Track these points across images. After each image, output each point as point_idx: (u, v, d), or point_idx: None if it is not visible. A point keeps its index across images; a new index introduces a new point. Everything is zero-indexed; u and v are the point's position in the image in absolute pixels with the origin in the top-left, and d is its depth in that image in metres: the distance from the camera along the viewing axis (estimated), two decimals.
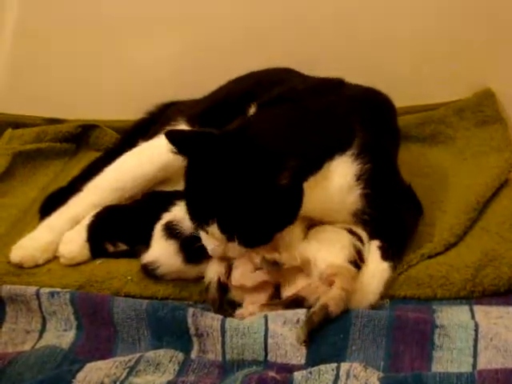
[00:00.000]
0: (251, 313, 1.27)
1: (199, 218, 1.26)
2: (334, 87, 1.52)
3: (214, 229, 1.24)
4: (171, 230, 1.36)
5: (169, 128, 1.59)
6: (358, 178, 1.34)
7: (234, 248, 1.27)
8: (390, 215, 1.38)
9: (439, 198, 1.59)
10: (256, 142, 1.26)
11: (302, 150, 1.26)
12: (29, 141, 1.99)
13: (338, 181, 1.33)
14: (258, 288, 1.29)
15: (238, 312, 1.29)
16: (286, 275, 1.29)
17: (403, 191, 1.45)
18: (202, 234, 1.29)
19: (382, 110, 1.52)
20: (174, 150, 1.27)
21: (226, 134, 1.29)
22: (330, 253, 1.28)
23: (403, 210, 1.42)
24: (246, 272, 1.29)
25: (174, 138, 1.27)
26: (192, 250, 1.33)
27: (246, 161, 1.22)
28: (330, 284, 1.23)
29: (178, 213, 1.37)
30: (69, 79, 2.07)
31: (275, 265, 1.25)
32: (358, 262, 1.30)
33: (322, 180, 1.30)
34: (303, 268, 1.27)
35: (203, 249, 1.30)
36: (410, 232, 1.43)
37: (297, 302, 1.24)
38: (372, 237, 1.37)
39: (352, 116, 1.40)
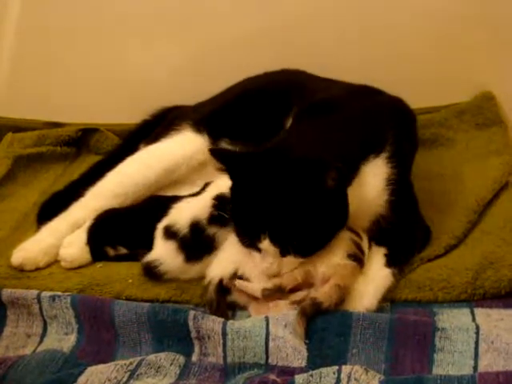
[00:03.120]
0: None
1: (250, 234, 1.26)
2: (370, 94, 1.53)
3: (266, 244, 1.24)
4: (169, 232, 1.39)
5: (172, 133, 1.61)
6: (388, 183, 1.35)
7: (289, 262, 1.26)
8: (405, 226, 1.39)
9: (439, 201, 1.59)
10: (297, 153, 1.27)
11: (341, 154, 1.28)
12: (29, 144, 1.99)
13: (372, 182, 1.34)
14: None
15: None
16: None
17: (417, 205, 1.45)
18: (255, 255, 1.28)
19: (408, 120, 1.53)
20: (222, 167, 1.28)
21: (266, 150, 1.30)
22: (328, 252, 1.28)
23: (417, 223, 1.43)
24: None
25: (220, 157, 1.29)
26: (191, 249, 1.37)
27: (290, 172, 1.23)
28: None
29: (174, 216, 1.42)
30: (69, 83, 2.07)
31: (279, 291, 1.26)
32: (358, 255, 1.30)
33: (357, 183, 1.31)
34: (307, 281, 1.27)
35: (202, 248, 1.35)
36: (419, 246, 1.42)
37: (315, 305, 1.22)
38: (380, 243, 1.37)
39: (385, 122, 1.42)
